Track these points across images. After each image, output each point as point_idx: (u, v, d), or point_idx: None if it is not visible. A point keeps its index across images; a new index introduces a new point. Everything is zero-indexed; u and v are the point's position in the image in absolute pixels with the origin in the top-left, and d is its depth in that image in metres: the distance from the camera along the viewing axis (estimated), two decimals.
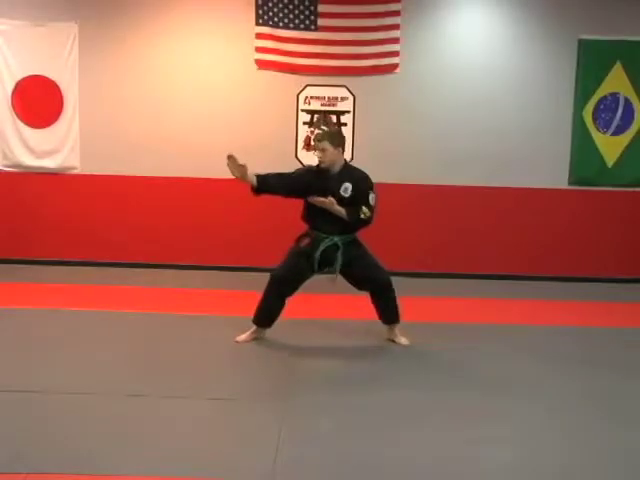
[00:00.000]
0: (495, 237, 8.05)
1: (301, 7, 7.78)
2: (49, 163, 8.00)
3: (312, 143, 7.93)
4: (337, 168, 5.19)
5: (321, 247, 5.15)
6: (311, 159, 7.88)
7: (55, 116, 7.94)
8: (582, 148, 7.90)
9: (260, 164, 7.81)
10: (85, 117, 7.94)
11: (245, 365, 4.86)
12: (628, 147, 7.92)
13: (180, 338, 5.39)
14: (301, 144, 8.02)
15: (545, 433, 3.81)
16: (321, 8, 7.77)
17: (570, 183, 7.98)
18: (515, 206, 8.02)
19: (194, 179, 7.97)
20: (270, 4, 7.77)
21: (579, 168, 7.94)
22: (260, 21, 7.81)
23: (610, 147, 7.90)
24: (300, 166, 7.74)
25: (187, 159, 7.94)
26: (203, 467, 3.28)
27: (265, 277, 7.34)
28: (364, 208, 5.07)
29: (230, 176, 7.90)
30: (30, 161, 8.00)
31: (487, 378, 4.72)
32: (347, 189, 5.11)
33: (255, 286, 7.12)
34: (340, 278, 5.31)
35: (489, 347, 5.41)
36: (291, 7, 7.79)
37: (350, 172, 5.21)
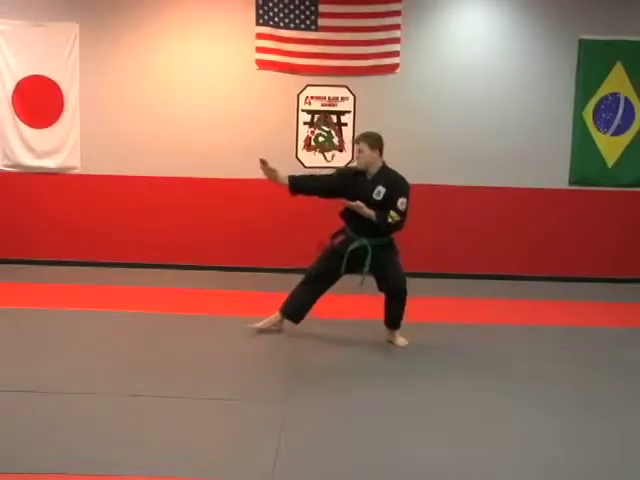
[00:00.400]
0: (495, 237, 8.04)
1: (302, 7, 7.78)
2: (49, 163, 8.00)
3: (312, 143, 7.99)
4: (374, 170, 5.21)
5: (351, 247, 5.19)
6: (311, 159, 7.93)
7: (55, 116, 7.94)
8: (582, 148, 7.90)
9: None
10: (85, 117, 7.94)
11: (245, 365, 4.85)
12: (628, 147, 7.91)
13: (180, 338, 5.39)
14: (301, 144, 8.01)
15: (545, 433, 3.81)
16: (322, 8, 7.77)
17: (570, 183, 7.98)
18: (515, 206, 8.01)
19: (194, 179, 7.97)
20: (270, 4, 7.77)
21: (579, 168, 7.93)
22: (260, 21, 7.81)
23: (610, 147, 7.90)
24: (300, 166, 7.79)
25: (187, 159, 7.94)
26: (203, 467, 3.28)
27: (265, 277, 7.40)
28: (392, 212, 5.05)
29: (231, 176, 7.97)
30: (30, 161, 8.00)
31: (487, 378, 4.71)
32: (380, 192, 5.12)
33: (255, 286, 7.16)
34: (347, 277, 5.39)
35: (489, 347, 5.41)
36: (292, 7, 7.78)
37: (386, 175, 5.21)
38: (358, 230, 5.19)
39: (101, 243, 8.05)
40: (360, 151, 5.18)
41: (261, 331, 5.48)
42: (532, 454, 3.54)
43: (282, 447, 3.50)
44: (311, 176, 5.48)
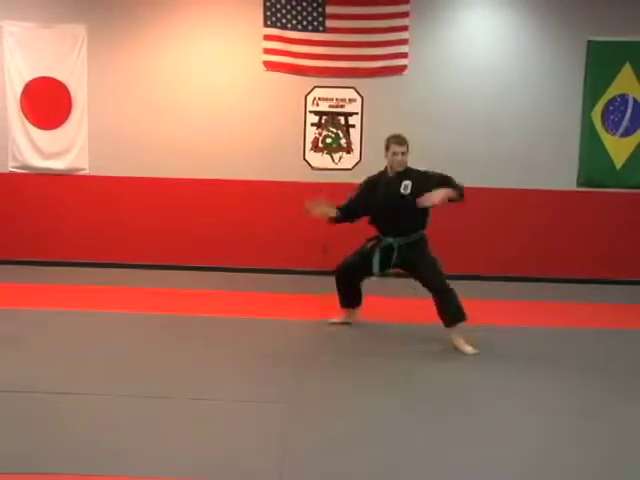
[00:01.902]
0: (502, 238, 7.99)
1: (309, 9, 7.78)
2: (58, 164, 8.04)
3: (320, 145, 7.98)
4: (399, 169, 5.50)
5: (379, 248, 5.49)
6: (318, 160, 7.92)
7: (64, 117, 7.97)
8: (591, 149, 7.85)
9: (268, 165, 7.88)
10: (94, 118, 7.97)
11: (247, 366, 4.82)
12: (637, 149, 7.85)
13: (181, 339, 5.39)
14: (309, 145, 8.00)
15: (543, 434, 3.79)
16: (329, 10, 7.77)
17: (578, 185, 7.93)
18: (523, 207, 7.96)
19: (204, 180, 7.97)
20: (278, 5, 7.78)
21: (588, 170, 7.89)
22: (268, 22, 7.82)
23: (619, 149, 7.84)
24: (307, 167, 7.79)
25: (196, 160, 7.95)
26: (204, 468, 3.27)
27: (266, 278, 7.38)
28: (451, 178, 5.37)
29: (236, 177, 8.00)
30: (39, 162, 8.03)
31: (487, 379, 4.68)
32: (407, 187, 5.41)
33: (256, 287, 7.14)
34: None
35: (490, 348, 5.39)
36: (299, 9, 7.79)
37: (411, 171, 5.50)
38: (383, 231, 5.51)
39: (110, 244, 8.07)
40: (403, 153, 5.47)
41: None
42: (532, 456, 3.52)
43: (284, 448, 3.49)
44: (348, 204, 5.63)
